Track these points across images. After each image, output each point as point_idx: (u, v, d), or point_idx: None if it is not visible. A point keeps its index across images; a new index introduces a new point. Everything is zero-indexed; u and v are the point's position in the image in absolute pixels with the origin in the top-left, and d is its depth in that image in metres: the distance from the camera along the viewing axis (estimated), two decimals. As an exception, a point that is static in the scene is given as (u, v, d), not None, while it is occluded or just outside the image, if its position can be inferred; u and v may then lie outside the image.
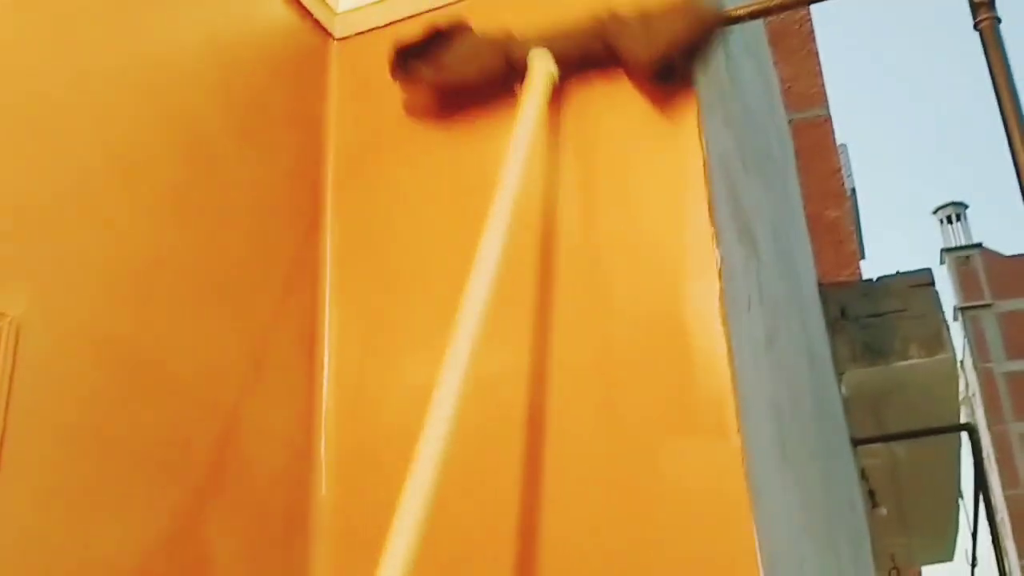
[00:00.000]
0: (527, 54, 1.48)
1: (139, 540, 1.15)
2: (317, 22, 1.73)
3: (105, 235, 1.21)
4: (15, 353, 1.02)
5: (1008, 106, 1.28)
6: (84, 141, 1.22)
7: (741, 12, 1.57)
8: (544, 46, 1.48)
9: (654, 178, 1.47)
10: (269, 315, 1.47)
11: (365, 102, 1.73)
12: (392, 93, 1.69)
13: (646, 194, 1.47)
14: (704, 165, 1.44)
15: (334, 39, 1.77)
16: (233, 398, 1.36)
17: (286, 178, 1.60)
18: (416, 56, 1.54)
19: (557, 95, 1.51)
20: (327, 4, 1.75)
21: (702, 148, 1.44)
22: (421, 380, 1.47)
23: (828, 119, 9.24)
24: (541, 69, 1.46)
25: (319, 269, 1.61)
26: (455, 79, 1.54)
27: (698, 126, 1.44)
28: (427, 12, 1.68)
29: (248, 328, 1.42)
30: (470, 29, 1.55)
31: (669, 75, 1.41)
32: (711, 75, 1.63)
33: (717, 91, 1.68)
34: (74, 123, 1.21)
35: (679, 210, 1.43)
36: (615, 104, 1.53)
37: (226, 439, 1.33)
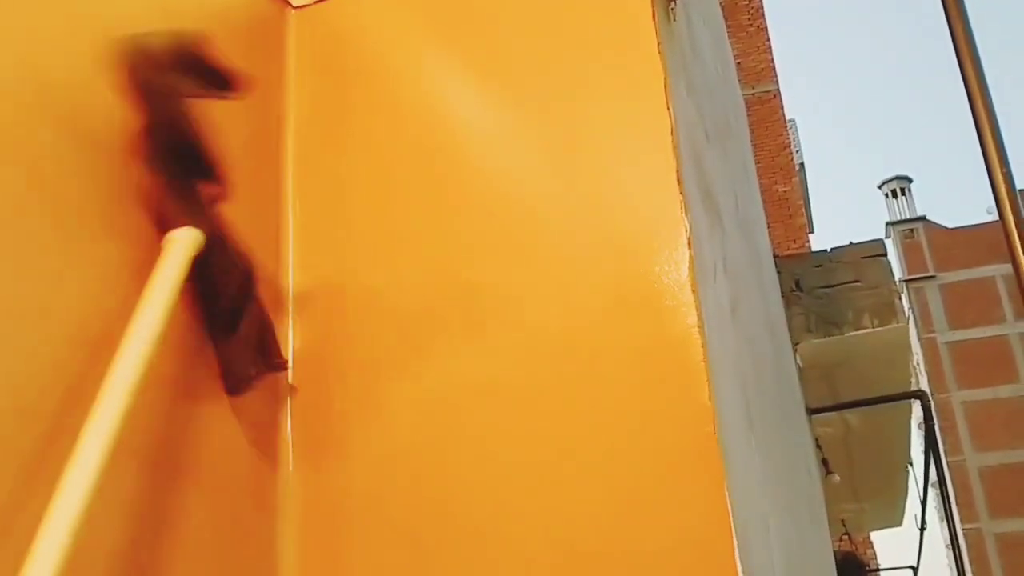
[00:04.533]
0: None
1: (104, 516, 1.11)
2: (274, -9, 1.69)
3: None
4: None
5: (970, 72, 1.30)
6: (29, 107, 1.17)
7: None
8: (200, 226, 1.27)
9: (620, 144, 1.46)
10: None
11: (324, 71, 1.69)
12: (352, 61, 1.67)
13: (613, 160, 1.46)
14: (671, 132, 1.44)
15: (292, 7, 1.72)
16: (199, 375, 1.32)
17: (244, 151, 1.55)
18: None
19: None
20: (284, -29, 1.71)
21: (669, 114, 1.44)
22: (382, 354, 1.47)
23: (777, 94, 9.34)
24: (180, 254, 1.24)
25: (281, 245, 1.58)
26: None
27: (664, 91, 1.43)
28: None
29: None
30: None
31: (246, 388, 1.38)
32: (675, 42, 1.62)
33: (680, 58, 1.68)
34: (22, 92, 1.16)
35: (646, 177, 1.43)
36: (576, 68, 1.52)
37: (191, 419, 1.30)
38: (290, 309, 1.54)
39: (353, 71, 1.68)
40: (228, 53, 1.55)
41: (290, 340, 1.51)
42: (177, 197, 1.25)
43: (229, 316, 1.31)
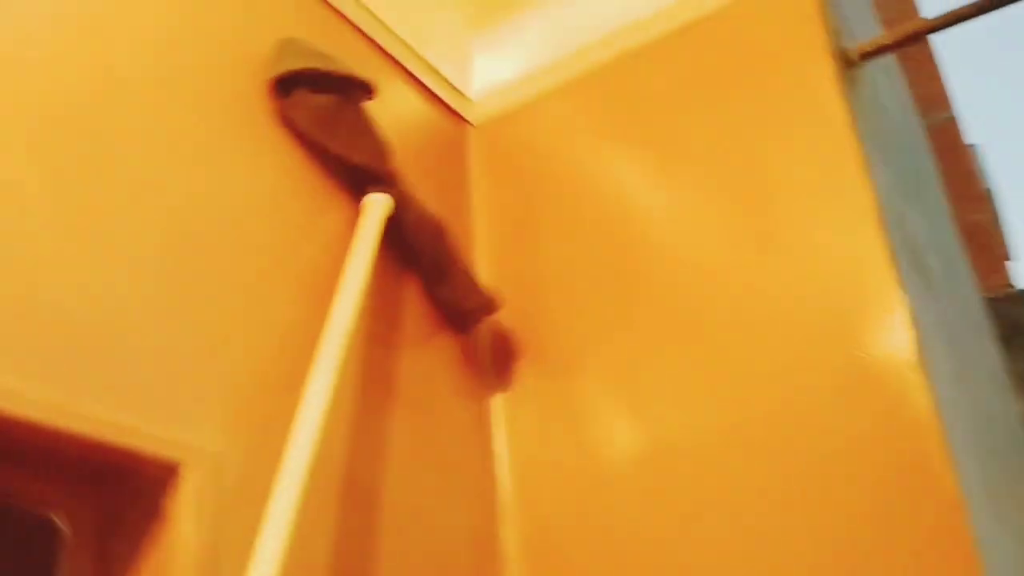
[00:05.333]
0: (385, 181, 1.41)
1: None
2: (454, 112, 1.77)
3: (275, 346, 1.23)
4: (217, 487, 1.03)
5: None
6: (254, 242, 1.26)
7: (884, 41, 1.52)
8: (397, 194, 1.42)
9: (822, 219, 1.41)
10: (441, 413, 1.47)
11: (504, 178, 1.75)
12: (531, 165, 1.71)
13: (816, 237, 1.41)
14: (874, 202, 1.38)
15: (471, 125, 1.80)
16: (416, 500, 1.35)
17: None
18: (307, 88, 1.34)
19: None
20: (462, 94, 1.79)
21: (869, 184, 1.38)
22: (590, 461, 1.46)
23: (955, 120, 8.83)
24: (379, 214, 1.39)
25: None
26: (326, 144, 1.36)
27: (860, 159, 1.38)
28: (549, 92, 1.74)
29: (422, 429, 1.42)
30: (372, 97, 1.45)
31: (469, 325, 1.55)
32: (862, 104, 1.56)
33: (870, 119, 1.61)
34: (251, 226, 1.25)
35: (854, 251, 1.37)
36: (763, 146, 1.49)
37: (411, 541, 1.32)
38: (498, 424, 1.56)
39: (532, 174, 1.73)
40: (418, 169, 1.64)
41: (499, 454, 1.52)
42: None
43: (435, 266, 1.47)
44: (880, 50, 1.47)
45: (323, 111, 1.34)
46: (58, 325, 0.92)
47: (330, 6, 1.53)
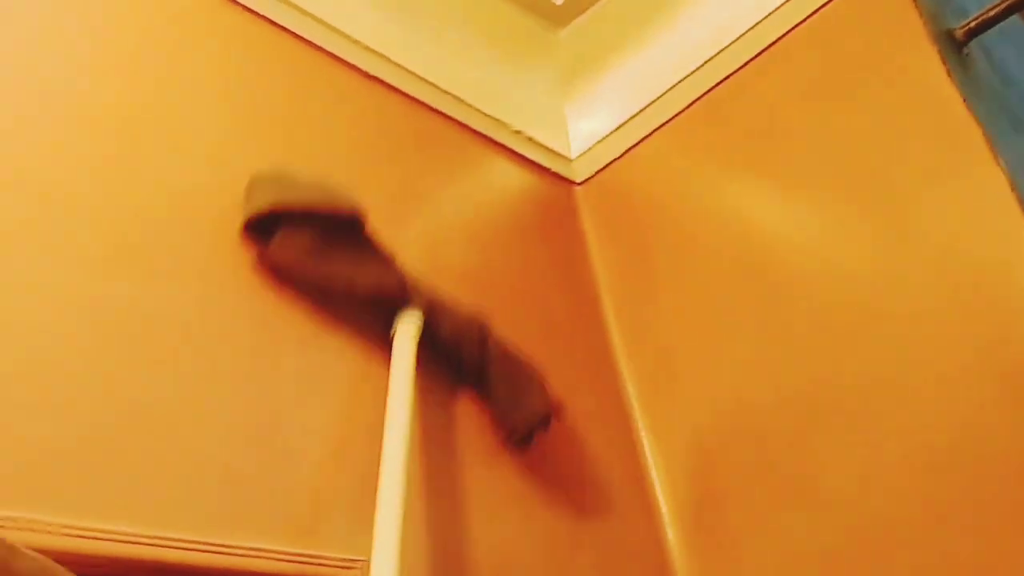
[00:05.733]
0: (403, 297, 1.23)
1: None
2: (558, 175, 1.78)
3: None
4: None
5: None
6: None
7: (988, 14, 1.43)
8: (425, 309, 1.24)
9: (958, 215, 1.33)
10: (604, 474, 1.45)
11: (617, 227, 1.74)
12: (640, 210, 1.70)
13: (959, 234, 1.32)
14: (1008, 186, 1.28)
15: (575, 184, 1.81)
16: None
17: (569, 321, 1.60)
18: (289, 224, 1.15)
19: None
20: (562, 156, 1.80)
21: (1000, 169, 1.28)
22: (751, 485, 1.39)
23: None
24: (410, 334, 1.21)
25: (623, 398, 1.58)
26: (325, 283, 1.18)
27: (988, 150, 1.29)
28: (644, 140, 1.73)
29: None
30: (363, 230, 1.24)
31: (522, 443, 1.31)
32: (979, 84, 1.47)
33: (992, 97, 1.51)
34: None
35: (1000, 243, 1.27)
36: (883, 149, 1.42)
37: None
38: (650, 463, 1.52)
39: (643, 219, 1.71)
40: (531, 239, 1.66)
41: (658, 491, 1.48)
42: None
43: (482, 373, 1.29)
44: (985, 24, 1.38)
45: (314, 245, 1.16)
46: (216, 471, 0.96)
47: (421, 102, 1.58)
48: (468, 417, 1.29)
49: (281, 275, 1.15)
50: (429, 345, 1.24)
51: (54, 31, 1.12)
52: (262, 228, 1.15)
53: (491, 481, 1.25)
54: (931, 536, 1.21)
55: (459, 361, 1.28)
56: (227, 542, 0.89)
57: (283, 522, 0.96)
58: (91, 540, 0.84)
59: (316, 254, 1.15)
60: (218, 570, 0.88)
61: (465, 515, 1.18)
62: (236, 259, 1.13)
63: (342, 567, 0.97)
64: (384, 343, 1.21)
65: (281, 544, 0.93)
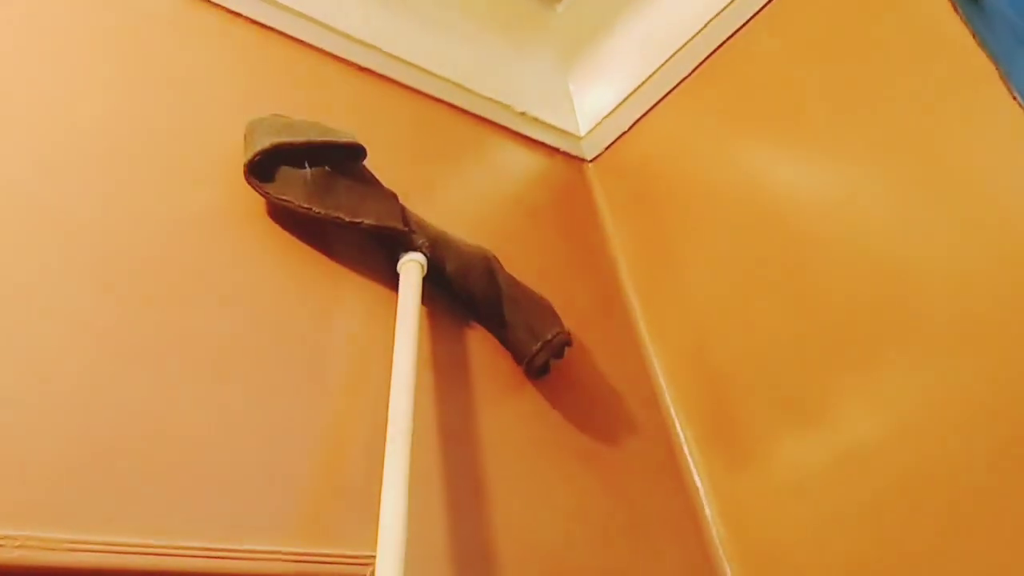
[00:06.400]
0: (406, 234, 1.23)
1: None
2: (567, 154, 1.76)
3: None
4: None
5: None
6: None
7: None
8: (429, 246, 1.24)
9: (980, 159, 1.27)
10: (636, 467, 1.42)
11: (629, 201, 1.71)
12: (653, 181, 1.67)
13: (979, 178, 1.27)
14: (1029, 120, 1.23)
15: (587, 162, 1.78)
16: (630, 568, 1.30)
17: (591, 298, 1.58)
18: (289, 165, 1.16)
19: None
20: (570, 134, 1.78)
21: (1020, 107, 1.23)
22: (794, 473, 1.35)
23: None
24: (414, 270, 1.21)
25: (648, 368, 1.55)
26: (329, 217, 1.17)
27: (1006, 88, 1.24)
28: (651, 110, 1.69)
29: (615, 488, 1.37)
30: (363, 160, 1.25)
31: (538, 373, 1.33)
32: (992, 20, 1.41)
33: (1011, 36, 1.44)
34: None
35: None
36: (917, 101, 1.37)
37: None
38: (689, 461, 1.48)
39: (658, 190, 1.68)
40: (548, 220, 1.63)
41: (700, 490, 1.45)
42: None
43: (493, 308, 1.30)
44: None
45: (316, 182, 1.17)
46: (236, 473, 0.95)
47: (419, 92, 1.57)
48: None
49: (284, 215, 1.16)
50: (436, 281, 1.26)
51: (56, 42, 1.13)
52: (264, 173, 1.15)
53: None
54: (936, 478, 1.17)
55: (468, 296, 1.29)
56: (235, 546, 0.88)
57: (294, 520, 0.95)
58: (100, 554, 0.84)
59: (318, 191, 1.16)
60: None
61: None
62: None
63: (359, 564, 0.96)
64: (392, 282, 1.23)
65: (294, 545, 0.92)
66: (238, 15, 1.37)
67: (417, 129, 1.53)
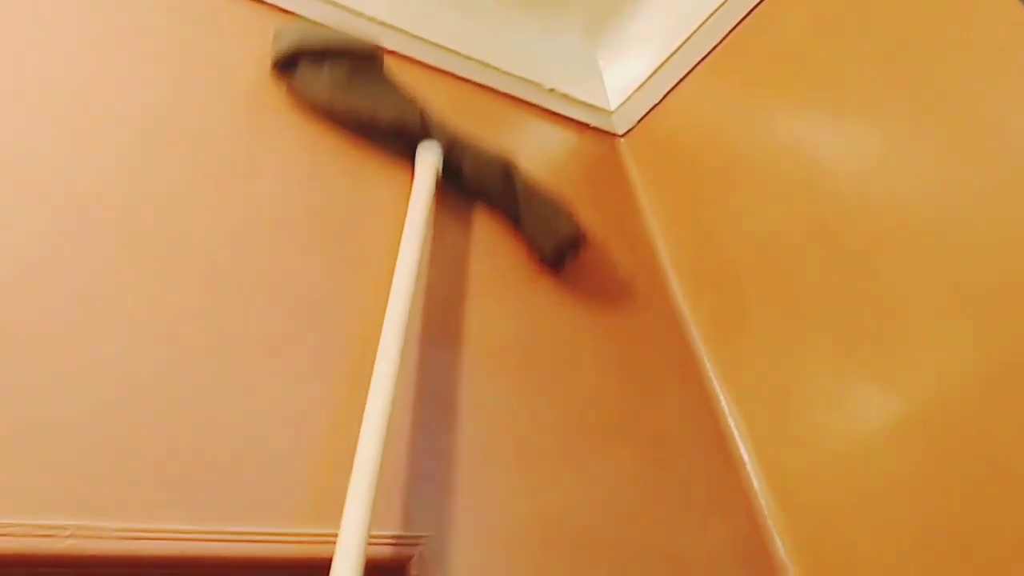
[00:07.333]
0: (424, 131, 1.30)
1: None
2: (599, 129, 1.74)
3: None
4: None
5: None
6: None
7: None
8: (444, 141, 1.31)
9: (1018, 120, 1.23)
10: (675, 428, 1.41)
11: (662, 173, 1.69)
12: (685, 152, 1.64)
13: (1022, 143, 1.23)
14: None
15: (619, 136, 1.76)
16: (678, 541, 1.28)
17: (630, 273, 1.56)
18: (311, 61, 1.25)
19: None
20: (601, 109, 1.75)
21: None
22: (842, 443, 1.33)
23: None
24: (429, 163, 1.27)
25: (687, 338, 1.53)
26: (349, 111, 1.26)
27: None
28: (682, 81, 1.66)
29: (651, 452, 1.36)
30: (383, 63, 1.33)
31: (557, 264, 1.40)
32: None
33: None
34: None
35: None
36: (953, 53, 1.33)
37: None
38: (733, 430, 1.46)
39: (692, 162, 1.65)
40: (581, 195, 1.61)
41: (746, 461, 1.43)
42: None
43: (509, 206, 1.36)
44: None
45: (336, 79, 1.24)
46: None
47: (446, 72, 1.55)
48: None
49: (311, 107, 1.25)
50: (453, 180, 1.31)
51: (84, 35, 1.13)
52: (292, 72, 1.25)
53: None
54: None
55: (485, 195, 1.35)
56: (286, 530, 0.88)
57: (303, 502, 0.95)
58: (150, 542, 0.84)
59: (339, 88, 1.24)
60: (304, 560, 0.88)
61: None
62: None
63: (407, 544, 0.96)
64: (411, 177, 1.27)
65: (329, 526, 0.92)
66: (261, 1, 1.36)
67: (446, 110, 1.51)
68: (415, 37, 1.52)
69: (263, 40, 1.29)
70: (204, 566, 0.86)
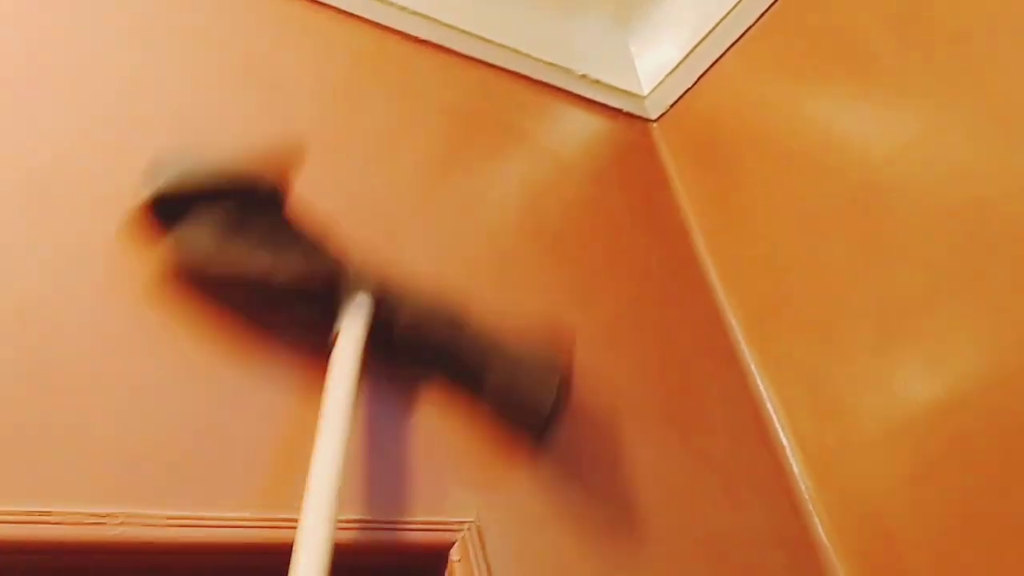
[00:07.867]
0: (344, 285, 0.98)
1: None
2: (631, 115, 1.73)
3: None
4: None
5: None
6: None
7: None
8: (373, 292, 0.99)
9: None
10: (716, 413, 1.40)
11: (697, 157, 1.68)
12: (720, 136, 1.63)
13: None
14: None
15: (652, 122, 1.75)
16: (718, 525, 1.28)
17: (660, 264, 1.55)
18: (194, 206, 0.92)
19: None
20: (633, 94, 1.75)
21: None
22: (881, 426, 1.32)
23: None
24: (353, 331, 0.95)
25: (726, 326, 1.52)
26: (240, 277, 0.94)
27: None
28: (715, 64, 1.65)
29: (696, 441, 1.35)
30: (283, 200, 1.00)
31: (538, 440, 1.08)
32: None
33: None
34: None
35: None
36: (991, 33, 1.31)
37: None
38: (772, 413, 1.45)
39: (726, 146, 1.64)
40: (615, 180, 1.61)
41: (784, 443, 1.42)
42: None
43: (462, 365, 1.04)
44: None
45: (220, 230, 0.93)
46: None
47: (476, 60, 1.55)
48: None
49: (189, 276, 0.93)
50: (385, 344, 0.99)
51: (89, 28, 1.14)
52: (169, 218, 0.93)
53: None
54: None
55: (431, 358, 1.03)
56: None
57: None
58: (200, 529, 0.85)
59: (224, 244, 0.92)
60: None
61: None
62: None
63: (451, 530, 0.96)
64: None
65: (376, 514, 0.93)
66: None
67: (478, 98, 1.52)
68: (445, 25, 1.52)
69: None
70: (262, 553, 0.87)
